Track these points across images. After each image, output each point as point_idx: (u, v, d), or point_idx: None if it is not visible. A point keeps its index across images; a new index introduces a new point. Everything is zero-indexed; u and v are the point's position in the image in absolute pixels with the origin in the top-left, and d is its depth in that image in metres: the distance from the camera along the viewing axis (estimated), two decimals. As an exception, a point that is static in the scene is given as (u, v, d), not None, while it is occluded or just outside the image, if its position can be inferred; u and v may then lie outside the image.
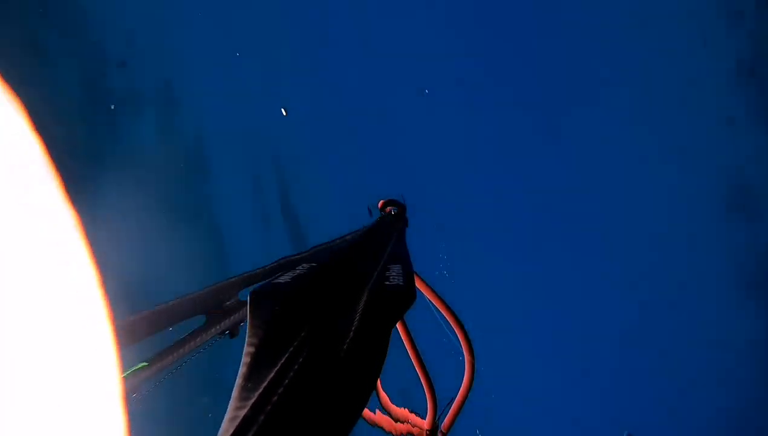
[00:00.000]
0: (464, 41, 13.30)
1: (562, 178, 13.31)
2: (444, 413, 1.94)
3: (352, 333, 0.92)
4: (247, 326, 0.93)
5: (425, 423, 1.97)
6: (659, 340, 13.24)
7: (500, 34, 12.92)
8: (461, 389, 1.94)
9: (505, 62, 13.07)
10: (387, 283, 1.21)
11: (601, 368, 13.94)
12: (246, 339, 0.90)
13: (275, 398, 0.71)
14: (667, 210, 11.77)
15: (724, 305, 11.55)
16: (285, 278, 1.16)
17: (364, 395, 0.88)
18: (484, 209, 14.31)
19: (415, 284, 1.26)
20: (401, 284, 1.20)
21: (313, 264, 1.30)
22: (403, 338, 1.99)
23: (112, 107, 11.11)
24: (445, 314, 1.99)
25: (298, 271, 1.23)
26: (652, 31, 10.24)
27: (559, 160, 13.37)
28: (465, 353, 1.95)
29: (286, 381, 0.76)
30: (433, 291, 2.07)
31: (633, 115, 11.55)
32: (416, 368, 1.91)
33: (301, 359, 0.82)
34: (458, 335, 1.93)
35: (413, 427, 2.03)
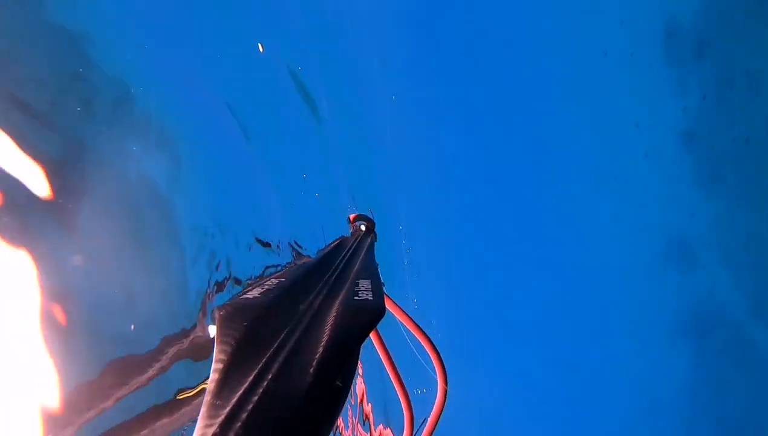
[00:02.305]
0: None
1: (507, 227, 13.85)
2: (419, 432, 1.93)
3: (321, 348, 0.91)
4: (215, 342, 0.91)
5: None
6: (592, 380, 13.85)
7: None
8: (434, 407, 1.93)
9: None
10: (356, 297, 1.21)
11: (530, 404, 14.38)
12: (214, 355, 0.88)
13: (244, 415, 0.70)
14: (606, 260, 12.52)
15: (657, 349, 12.31)
16: (253, 293, 1.14)
17: (335, 410, 0.88)
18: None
19: (384, 299, 1.26)
20: (370, 298, 1.21)
21: (282, 279, 1.28)
22: (380, 354, 1.99)
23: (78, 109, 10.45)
24: (414, 333, 1.98)
25: (266, 286, 1.22)
26: (591, 89, 11.06)
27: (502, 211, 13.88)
28: (437, 371, 1.95)
29: (255, 398, 0.74)
30: (403, 310, 2.08)
31: (580, 167, 12.27)
32: (394, 385, 1.90)
33: (270, 375, 0.80)
34: (430, 355, 1.93)
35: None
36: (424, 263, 12.48)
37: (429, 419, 1.96)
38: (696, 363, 12.02)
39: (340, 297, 1.21)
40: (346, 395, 0.95)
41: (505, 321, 14.69)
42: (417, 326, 1.97)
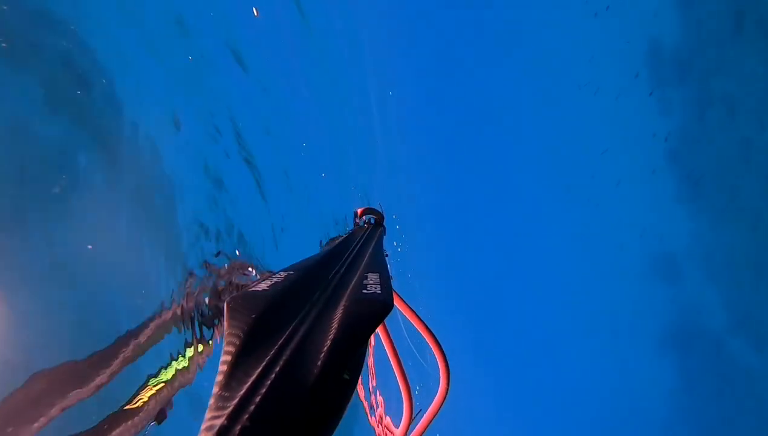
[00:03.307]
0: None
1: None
2: (416, 422, 1.99)
3: (329, 341, 0.92)
4: (224, 334, 0.92)
5: (399, 431, 2.05)
6: (581, 389, 14.09)
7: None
8: (434, 400, 1.97)
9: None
10: (364, 291, 1.21)
11: (520, 415, 14.62)
12: (223, 347, 0.89)
13: (252, 407, 0.71)
14: (595, 274, 12.85)
15: (642, 357, 12.61)
16: (262, 285, 1.15)
17: (343, 403, 0.89)
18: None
19: (392, 293, 1.25)
20: (378, 292, 1.21)
21: (291, 272, 1.28)
22: (386, 347, 2.06)
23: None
24: (419, 329, 2.02)
25: (275, 279, 1.22)
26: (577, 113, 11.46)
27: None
28: (440, 367, 1.96)
29: (263, 390, 0.75)
30: (409, 306, 2.10)
31: (566, 189, 12.60)
32: (397, 376, 1.99)
33: (278, 368, 0.81)
34: (434, 351, 1.96)
35: (387, 432, 2.09)
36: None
37: (426, 413, 1.97)
38: (679, 374, 12.34)
39: (349, 290, 1.22)
40: (354, 388, 0.95)
41: (493, 333, 14.90)
42: (423, 322, 2.00)
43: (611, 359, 13.20)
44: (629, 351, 12.88)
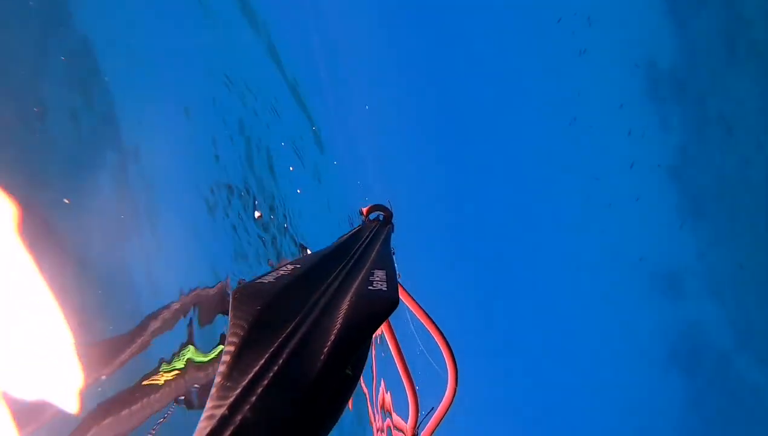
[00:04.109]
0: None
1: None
2: (425, 421, 2.02)
3: (333, 336, 0.92)
4: (228, 324, 0.93)
5: (407, 427, 2.05)
6: (585, 408, 13.96)
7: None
8: (443, 400, 1.98)
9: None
10: (370, 287, 1.22)
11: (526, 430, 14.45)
12: (226, 337, 0.90)
13: (254, 398, 0.71)
14: (595, 288, 12.89)
15: (647, 376, 12.53)
16: (268, 277, 1.16)
17: (344, 398, 0.90)
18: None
19: (398, 290, 1.26)
20: (384, 289, 1.22)
21: (298, 265, 1.29)
22: (390, 344, 2.07)
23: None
24: (428, 327, 2.05)
25: (281, 271, 1.23)
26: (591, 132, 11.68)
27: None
28: (448, 364, 1.97)
29: (266, 382, 0.76)
30: (417, 303, 2.11)
31: (570, 198, 12.76)
32: (401, 374, 2.01)
33: (281, 360, 0.82)
34: (442, 350, 1.99)
35: (394, 429, 2.16)
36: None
37: (435, 412, 1.99)
38: (685, 392, 12.22)
39: (354, 286, 1.23)
40: (356, 384, 0.96)
41: (496, 350, 14.82)
42: (431, 319, 2.02)
43: (616, 379, 13.10)
44: (634, 370, 12.79)
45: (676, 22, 10.03)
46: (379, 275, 1.36)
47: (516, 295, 14.10)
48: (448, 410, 1.99)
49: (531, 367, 14.28)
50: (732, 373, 11.30)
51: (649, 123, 10.47)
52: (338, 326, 0.96)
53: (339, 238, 1.99)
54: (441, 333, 2.03)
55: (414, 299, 2.12)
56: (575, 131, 11.27)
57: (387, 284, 1.25)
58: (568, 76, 11.02)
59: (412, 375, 2.05)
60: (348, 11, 10.17)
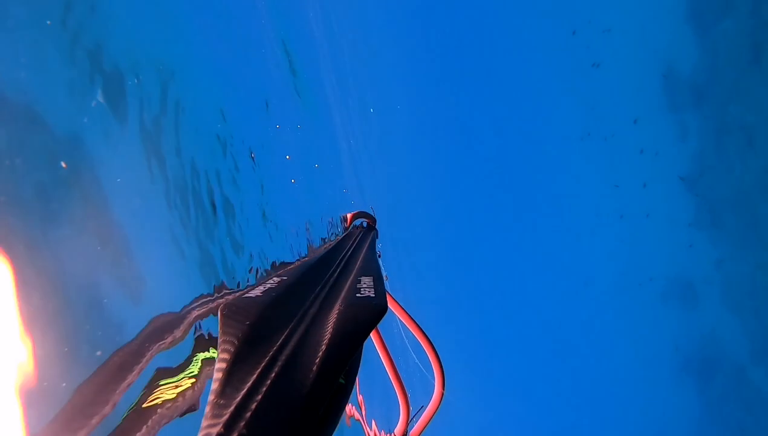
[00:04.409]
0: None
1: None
2: (414, 420, 2.06)
3: (324, 347, 0.91)
4: (219, 342, 0.91)
5: (397, 431, 2.09)
6: (600, 417, 13.89)
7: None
8: (431, 402, 2.01)
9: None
10: (358, 295, 1.20)
11: None
12: (217, 355, 0.89)
13: (248, 414, 0.70)
14: (608, 297, 12.79)
15: (662, 385, 12.41)
16: (255, 291, 1.14)
17: (338, 408, 0.89)
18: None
19: (386, 296, 1.25)
20: (372, 296, 1.20)
21: (284, 278, 1.27)
22: (378, 350, 2.08)
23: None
24: (412, 330, 2.06)
25: (268, 285, 1.21)
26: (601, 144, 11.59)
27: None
28: (435, 371, 1.98)
29: (259, 397, 0.75)
30: (404, 309, 2.12)
31: (584, 206, 12.65)
32: (391, 379, 2.05)
33: (273, 375, 0.81)
34: (428, 355, 2.01)
35: (387, 433, 2.19)
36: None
37: (422, 416, 2.02)
38: (699, 402, 12.05)
39: (342, 295, 1.21)
40: (350, 393, 0.95)
41: (508, 359, 14.81)
42: (417, 325, 2.03)
43: (630, 387, 13.01)
44: (649, 379, 12.69)
45: (698, 28, 9.88)
46: (366, 281, 1.36)
47: (527, 303, 14.11)
48: (436, 411, 2.01)
49: (540, 375, 14.29)
50: (747, 385, 11.11)
51: (665, 132, 10.35)
52: (329, 336, 0.96)
53: (323, 246, 1.97)
54: (428, 338, 2.05)
55: (400, 304, 2.15)
56: (590, 144, 11.23)
57: (375, 291, 1.25)
58: (583, 86, 10.97)
59: (402, 379, 2.09)
60: (364, 17, 10.29)
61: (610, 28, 9.97)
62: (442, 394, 2.00)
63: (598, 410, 13.73)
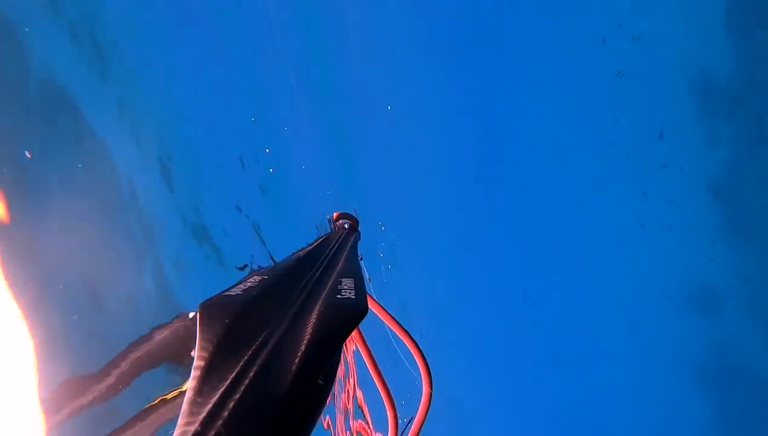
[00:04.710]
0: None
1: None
2: (405, 432, 2.08)
3: (303, 347, 0.92)
4: (197, 339, 0.92)
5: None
6: (612, 424, 13.96)
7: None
8: (419, 409, 2.00)
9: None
10: (339, 296, 1.21)
11: None
12: (195, 352, 0.89)
13: (225, 413, 0.70)
14: (628, 305, 12.71)
15: (675, 392, 12.37)
16: (235, 290, 1.15)
17: (317, 409, 0.89)
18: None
19: (366, 298, 1.26)
20: (353, 297, 1.21)
21: (265, 277, 1.28)
22: (363, 355, 2.14)
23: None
24: (398, 334, 2.08)
25: (249, 283, 1.22)
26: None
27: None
28: (422, 372, 2.00)
29: (237, 396, 0.75)
30: (386, 310, 2.12)
31: (607, 213, 12.53)
32: (377, 385, 2.11)
33: (251, 373, 0.81)
34: (414, 356, 2.03)
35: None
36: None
37: (414, 421, 2.01)
38: (716, 412, 11.94)
39: (323, 295, 1.22)
40: (328, 394, 0.96)
41: (523, 368, 14.95)
42: (401, 326, 2.06)
43: (644, 392, 13.02)
44: (664, 385, 12.66)
45: (738, 33, 9.55)
46: (348, 283, 1.36)
47: (542, 303, 14.14)
48: (426, 415, 2.01)
49: (553, 379, 14.39)
50: (766, 397, 10.96)
51: (693, 139, 10.14)
52: (308, 336, 0.96)
53: (304, 247, 2.03)
54: (412, 338, 2.06)
55: (382, 306, 2.18)
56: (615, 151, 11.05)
57: (356, 292, 1.26)
58: (607, 94, 10.78)
59: (389, 387, 2.11)
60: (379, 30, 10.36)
61: (640, 35, 9.79)
62: (431, 394, 1.98)
63: (612, 422, 13.81)
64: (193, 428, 0.67)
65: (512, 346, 14.71)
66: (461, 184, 13.77)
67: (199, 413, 0.71)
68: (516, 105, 12.55)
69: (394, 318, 2.13)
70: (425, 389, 1.98)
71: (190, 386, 0.80)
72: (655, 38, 9.75)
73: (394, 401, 2.11)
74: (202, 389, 0.78)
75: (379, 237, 10.93)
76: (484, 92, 12.40)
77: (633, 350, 12.68)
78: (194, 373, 0.83)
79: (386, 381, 2.11)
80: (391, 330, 2.14)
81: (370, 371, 2.11)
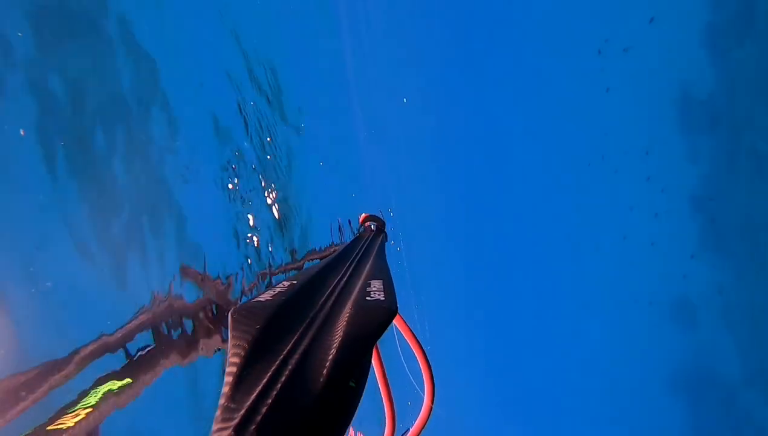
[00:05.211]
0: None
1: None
2: None
3: (334, 350, 0.91)
4: (229, 344, 0.91)
5: None
6: (588, 430, 14.13)
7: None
8: (418, 420, 1.95)
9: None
10: (368, 298, 1.20)
11: None
12: (228, 358, 0.88)
13: (258, 418, 0.70)
14: (607, 311, 12.92)
15: (650, 399, 12.60)
16: (265, 296, 1.14)
17: (349, 411, 0.87)
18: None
19: (396, 299, 1.24)
20: (382, 298, 1.19)
21: (294, 282, 1.28)
22: (372, 359, 1.92)
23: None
24: (410, 342, 2.03)
25: (278, 289, 1.21)
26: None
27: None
28: (426, 384, 1.94)
29: (270, 401, 0.74)
30: (401, 318, 2.04)
31: (587, 223, 12.73)
32: (381, 391, 2.04)
33: (283, 378, 0.80)
34: (421, 366, 1.97)
35: None
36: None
37: (411, 430, 1.96)
38: (690, 420, 12.20)
39: (352, 298, 1.21)
40: (360, 396, 0.94)
41: (503, 375, 15.01)
42: (414, 335, 2.02)
43: (619, 398, 13.21)
44: (639, 392, 12.87)
45: (717, 52, 9.86)
46: (376, 284, 1.35)
47: (521, 316, 14.26)
48: (423, 427, 1.95)
49: (534, 394, 14.51)
50: (738, 407, 11.24)
51: (676, 152, 10.40)
52: (339, 339, 0.95)
53: (333, 250, 1.96)
54: (422, 348, 2.00)
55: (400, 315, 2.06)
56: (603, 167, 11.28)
57: (385, 294, 1.25)
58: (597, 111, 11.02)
59: (392, 394, 2.06)
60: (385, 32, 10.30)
61: (628, 48, 10.00)
62: (431, 408, 1.93)
63: (588, 427, 13.98)
64: (226, 434, 0.67)
65: (492, 351, 14.77)
66: (449, 198, 13.86)
67: (232, 418, 0.70)
68: (507, 120, 12.71)
69: (406, 324, 2.07)
70: (426, 400, 1.94)
71: (223, 391, 0.80)
72: (639, 55, 10.03)
73: (395, 409, 2.05)
74: (234, 395, 0.78)
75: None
76: (474, 109, 12.55)
77: (610, 358, 12.89)
78: (227, 379, 0.83)
79: (390, 389, 2.06)
80: (400, 336, 2.10)
81: (377, 377, 2.05)
